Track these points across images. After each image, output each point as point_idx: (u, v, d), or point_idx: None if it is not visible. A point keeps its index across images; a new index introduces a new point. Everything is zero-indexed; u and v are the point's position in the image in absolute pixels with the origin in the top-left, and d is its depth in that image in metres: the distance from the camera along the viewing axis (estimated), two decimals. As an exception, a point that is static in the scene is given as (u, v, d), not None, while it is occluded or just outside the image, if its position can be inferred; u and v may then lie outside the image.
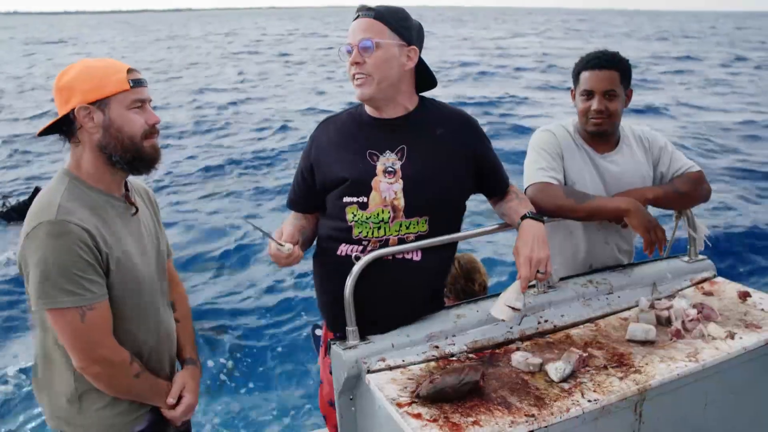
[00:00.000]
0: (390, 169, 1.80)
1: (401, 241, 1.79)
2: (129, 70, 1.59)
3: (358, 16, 1.79)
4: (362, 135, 1.85)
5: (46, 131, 1.63)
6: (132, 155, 1.60)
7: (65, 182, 1.59)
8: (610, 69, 2.12)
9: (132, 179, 1.78)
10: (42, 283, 1.49)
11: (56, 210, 1.50)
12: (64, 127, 1.60)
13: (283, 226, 1.84)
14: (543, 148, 2.16)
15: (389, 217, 1.79)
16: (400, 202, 1.79)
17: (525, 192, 2.11)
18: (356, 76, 1.78)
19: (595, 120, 2.13)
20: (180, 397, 1.77)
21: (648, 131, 2.28)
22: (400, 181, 1.79)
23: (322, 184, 1.87)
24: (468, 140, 1.88)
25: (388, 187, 1.79)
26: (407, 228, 1.79)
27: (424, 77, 1.89)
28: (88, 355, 1.56)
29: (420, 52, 1.83)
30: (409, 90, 1.85)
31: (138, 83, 1.60)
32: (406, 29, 1.79)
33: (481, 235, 1.99)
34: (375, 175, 1.79)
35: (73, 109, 1.55)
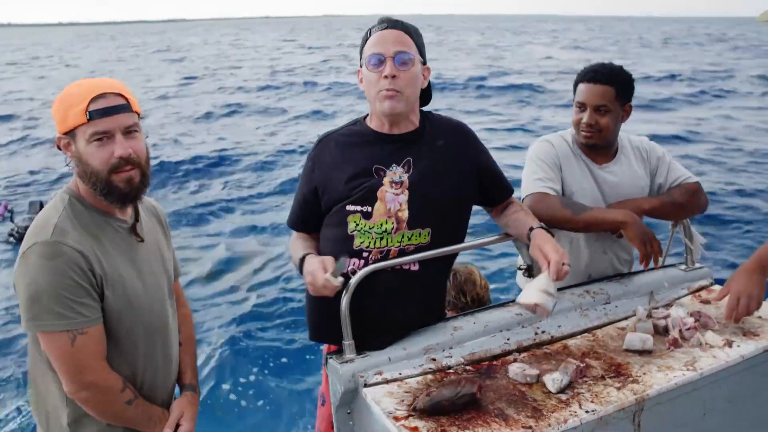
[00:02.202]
0: (398, 180, 1.80)
1: (402, 252, 1.78)
2: (95, 98, 1.48)
3: (385, 27, 1.77)
4: (368, 151, 1.83)
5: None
6: (101, 189, 1.52)
7: (65, 201, 1.56)
8: (604, 84, 2.12)
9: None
10: (32, 305, 1.46)
11: (51, 231, 1.48)
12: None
13: (311, 255, 1.78)
14: (541, 158, 2.17)
15: (392, 228, 1.78)
16: (404, 214, 1.78)
17: (522, 201, 2.12)
18: (388, 90, 1.74)
19: (585, 133, 2.15)
20: (177, 426, 1.71)
21: (646, 141, 2.29)
22: (406, 192, 1.79)
23: (327, 201, 1.84)
24: (468, 150, 1.90)
25: (393, 198, 1.78)
26: (409, 239, 1.79)
27: (423, 92, 1.90)
28: (78, 379, 1.52)
29: None
30: (417, 107, 1.88)
31: (101, 113, 1.48)
32: (423, 46, 1.81)
33: (478, 246, 1.99)
34: (381, 185, 1.78)
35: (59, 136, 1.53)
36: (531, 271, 1.97)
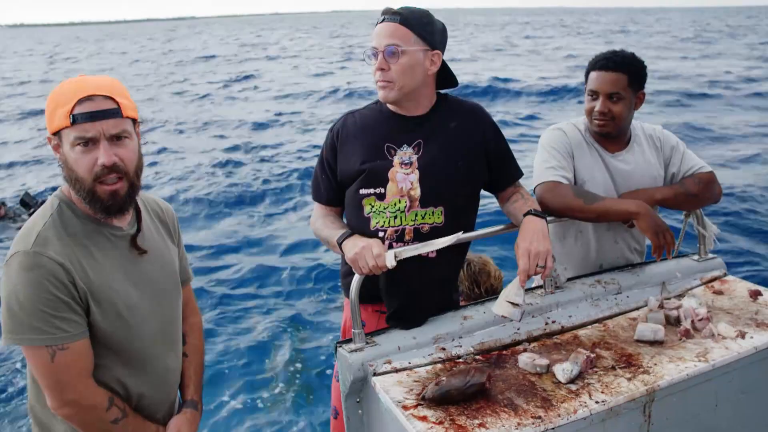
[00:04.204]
0: (407, 161, 1.85)
1: (416, 231, 1.84)
2: (82, 100, 1.37)
3: (383, 19, 1.81)
4: (382, 128, 1.90)
5: None
6: (85, 197, 1.43)
7: (54, 206, 1.47)
8: (617, 71, 2.09)
9: (146, 197, 1.68)
10: (11, 318, 1.39)
11: (33, 240, 1.39)
12: None
13: (358, 236, 1.79)
14: (553, 146, 2.14)
15: (405, 207, 1.84)
16: (416, 192, 1.84)
17: (534, 191, 2.10)
18: (379, 81, 1.83)
19: (598, 121, 2.13)
20: None
21: (660, 130, 2.26)
22: (417, 172, 1.84)
23: (342, 175, 1.91)
24: (479, 131, 1.93)
25: (404, 178, 1.84)
26: (422, 218, 1.84)
27: (445, 75, 1.94)
28: (59, 396, 1.45)
29: (443, 54, 1.87)
30: (431, 91, 1.91)
31: (86, 117, 1.37)
32: (430, 34, 1.82)
33: (491, 234, 1.97)
34: (392, 166, 1.84)
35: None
36: None
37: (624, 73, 2.09)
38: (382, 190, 1.85)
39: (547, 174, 2.08)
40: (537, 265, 1.68)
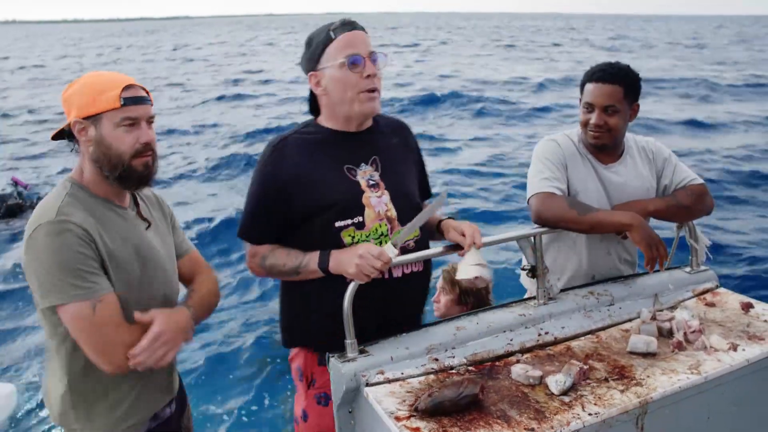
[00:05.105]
0: (372, 182, 1.82)
1: (404, 250, 1.81)
2: (127, 87, 1.59)
3: (351, 29, 1.77)
4: (334, 150, 1.83)
5: (57, 136, 1.68)
6: (120, 172, 1.60)
7: (67, 188, 1.61)
8: (613, 83, 2.10)
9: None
10: (48, 281, 1.49)
11: (55, 212, 1.52)
12: (70, 135, 1.64)
13: (333, 251, 1.76)
14: (547, 157, 2.15)
15: (387, 230, 1.81)
16: (393, 212, 1.83)
17: (528, 201, 2.11)
18: (371, 90, 1.76)
19: (594, 133, 2.13)
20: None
21: (653, 142, 2.28)
22: (386, 192, 1.83)
23: (304, 209, 1.78)
24: (413, 145, 2.02)
25: (378, 201, 1.81)
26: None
27: None
28: (104, 348, 1.53)
29: None
30: None
31: (133, 101, 1.59)
32: None
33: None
34: (363, 192, 1.80)
35: (71, 122, 1.59)
36: (534, 271, 1.96)
37: (620, 85, 2.10)
38: (360, 219, 1.78)
39: (542, 185, 2.09)
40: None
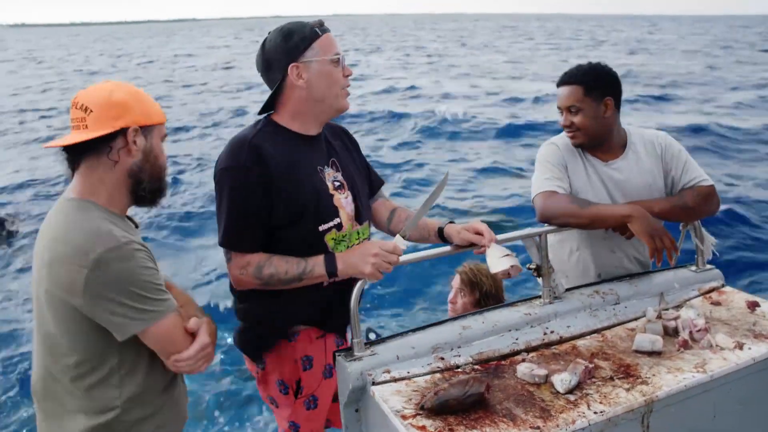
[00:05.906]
0: (338, 183, 1.87)
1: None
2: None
3: (328, 30, 1.83)
4: (302, 152, 1.82)
5: (73, 146, 1.50)
6: (157, 185, 1.61)
7: (91, 209, 1.50)
8: (570, 84, 2.18)
9: None
10: (138, 304, 1.45)
11: (113, 236, 1.45)
12: (100, 144, 1.50)
13: (336, 253, 1.80)
14: (548, 160, 2.20)
15: (352, 228, 1.90)
16: (354, 212, 1.90)
17: (532, 201, 2.12)
18: (347, 88, 1.86)
19: (568, 134, 2.21)
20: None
21: (663, 136, 2.26)
22: (349, 192, 1.89)
23: (287, 209, 1.74)
24: (355, 144, 2.07)
25: (346, 202, 1.88)
26: (363, 235, 1.93)
27: None
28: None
29: None
30: None
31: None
32: None
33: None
34: (332, 193, 1.85)
35: (123, 128, 1.50)
36: (540, 271, 1.97)
37: (578, 84, 2.16)
38: (339, 220, 1.84)
39: (544, 185, 2.11)
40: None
